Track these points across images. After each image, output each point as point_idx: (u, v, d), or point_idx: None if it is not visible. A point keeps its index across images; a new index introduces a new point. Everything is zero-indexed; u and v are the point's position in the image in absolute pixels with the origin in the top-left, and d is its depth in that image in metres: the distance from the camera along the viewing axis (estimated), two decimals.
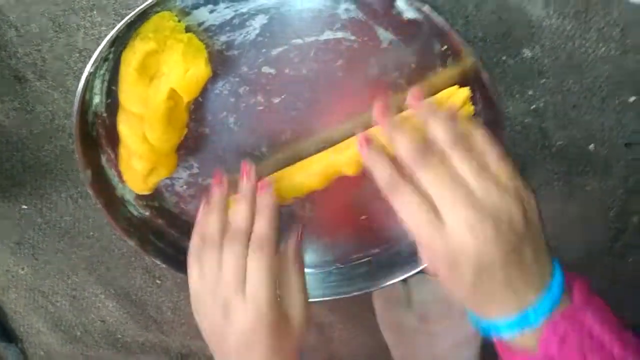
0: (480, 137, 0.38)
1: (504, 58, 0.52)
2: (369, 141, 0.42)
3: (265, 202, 0.45)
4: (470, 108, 0.45)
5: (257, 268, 0.42)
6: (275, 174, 0.50)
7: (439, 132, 0.38)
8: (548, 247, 0.37)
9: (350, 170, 0.48)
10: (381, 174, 0.40)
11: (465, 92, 0.44)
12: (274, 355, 0.42)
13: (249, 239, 0.43)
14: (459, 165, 0.37)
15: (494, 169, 0.37)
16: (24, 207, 0.61)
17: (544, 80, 0.53)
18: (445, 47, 0.47)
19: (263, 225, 0.44)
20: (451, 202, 0.36)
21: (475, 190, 0.36)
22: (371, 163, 0.41)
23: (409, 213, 0.38)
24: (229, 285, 0.42)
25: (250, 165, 0.47)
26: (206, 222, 0.45)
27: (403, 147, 0.38)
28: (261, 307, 0.42)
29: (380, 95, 0.43)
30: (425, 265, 0.40)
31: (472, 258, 0.35)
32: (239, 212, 0.44)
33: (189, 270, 0.45)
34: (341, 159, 0.48)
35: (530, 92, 0.54)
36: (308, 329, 0.45)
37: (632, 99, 0.54)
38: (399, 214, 0.38)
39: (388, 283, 0.59)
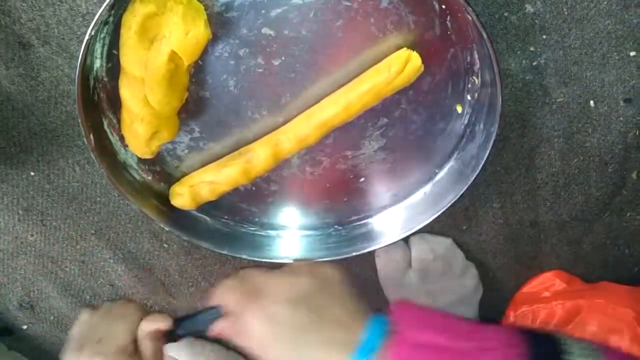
0: None
1: (505, 14, 0.52)
2: None
3: None
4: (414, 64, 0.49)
5: None
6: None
7: None
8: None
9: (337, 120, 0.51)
10: None
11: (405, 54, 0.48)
12: None
13: None
14: None
15: None
16: (32, 173, 0.62)
17: (545, 36, 0.53)
18: (444, 5, 0.46)
19: None
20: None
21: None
22: None
23: None
24: None
25: None
26: None
27: None
28: None
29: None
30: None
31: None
32: None
33: None
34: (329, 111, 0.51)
35: (531, 49, 0.54)
36: None
37: (632, 53, 0.54)
38: None
39: (388, 242, 0.59)
